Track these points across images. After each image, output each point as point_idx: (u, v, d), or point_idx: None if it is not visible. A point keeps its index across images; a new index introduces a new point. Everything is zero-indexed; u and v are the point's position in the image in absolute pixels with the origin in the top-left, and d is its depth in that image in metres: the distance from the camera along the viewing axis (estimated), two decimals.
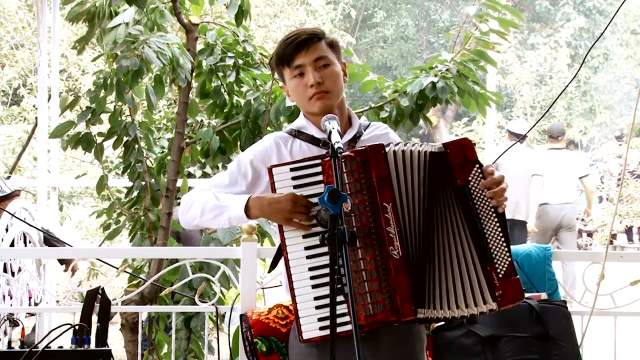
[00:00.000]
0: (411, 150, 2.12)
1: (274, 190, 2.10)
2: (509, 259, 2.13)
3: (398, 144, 2.15)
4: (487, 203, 2.13)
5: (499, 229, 2.14)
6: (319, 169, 2.09)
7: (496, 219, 2.14)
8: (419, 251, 2.11)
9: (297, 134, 2.30)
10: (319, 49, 2.21)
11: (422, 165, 2.12)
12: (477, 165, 2.14)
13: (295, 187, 2.08)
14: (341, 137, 2.10)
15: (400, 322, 2.09)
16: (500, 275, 2.12)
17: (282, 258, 2.14)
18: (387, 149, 2.11)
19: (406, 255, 2.08)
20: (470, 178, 2.13)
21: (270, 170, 2.10)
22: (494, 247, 2.13)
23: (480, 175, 2.13)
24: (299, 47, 2.19)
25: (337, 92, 2.24)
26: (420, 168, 2.12)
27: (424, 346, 2.31)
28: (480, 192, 2.13)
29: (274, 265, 2.26)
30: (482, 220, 2.13)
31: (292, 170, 2.09)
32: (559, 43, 10.03)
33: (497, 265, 2.12)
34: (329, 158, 2.07)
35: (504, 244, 2.13)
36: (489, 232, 2.13)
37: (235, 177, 2.29)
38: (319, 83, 2.19)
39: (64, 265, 5.15)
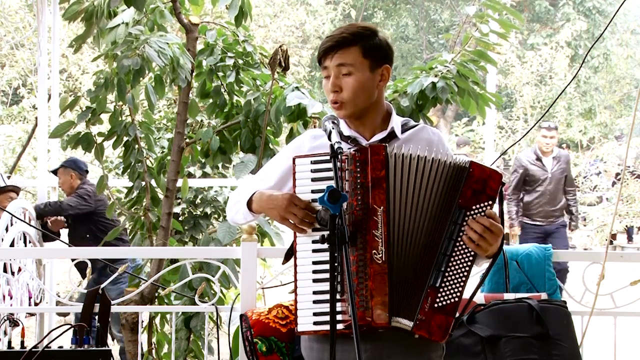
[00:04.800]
0: (419, 156, 2.06)
1: (294, 180, 2.11)
2: (457, 299, 2.03)
3: (390, 146, 2.09)
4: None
5: (467, 268, 2.04)
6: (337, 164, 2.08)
7: (470, 257, 2.05)
8: (409, 257, 2.06)
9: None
10: (346, 55, 2.15)
11: (438, 175, 2.06)
12: (490, 202, 2.05)
13: (313, 179, 2.09)
14: (367, 139, 2.17)
15: (371, 327, 2.05)
16: (436, 306, 2.04)
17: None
18: (388, 149, 2.07)
19: (389, 261, 2.04)
20: (475, 207, 2.05)
21: (294, 160, 2.13)
22: (449, 279, 2.04)
23: (484, 212, 2.04)
24: (327, 50, 2.17)
25: (357, 101, 2.17)
26: (432, 177, 2.06)
27: (441, 354, 2.20)
28: (474, 224, 2.03)
29: (288, 257, 2.23)
30: (456, 249, 2.04)
31: (312, 163, 2.10)
32: (559, 43, 10.03)
33: (438, 295, 2.04)
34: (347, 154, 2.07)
35: (461, 283, 2.04)
36: (454, 263, 2.04)
37: (266, 172, 2.33)
38: (335, 91, 2.17)
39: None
